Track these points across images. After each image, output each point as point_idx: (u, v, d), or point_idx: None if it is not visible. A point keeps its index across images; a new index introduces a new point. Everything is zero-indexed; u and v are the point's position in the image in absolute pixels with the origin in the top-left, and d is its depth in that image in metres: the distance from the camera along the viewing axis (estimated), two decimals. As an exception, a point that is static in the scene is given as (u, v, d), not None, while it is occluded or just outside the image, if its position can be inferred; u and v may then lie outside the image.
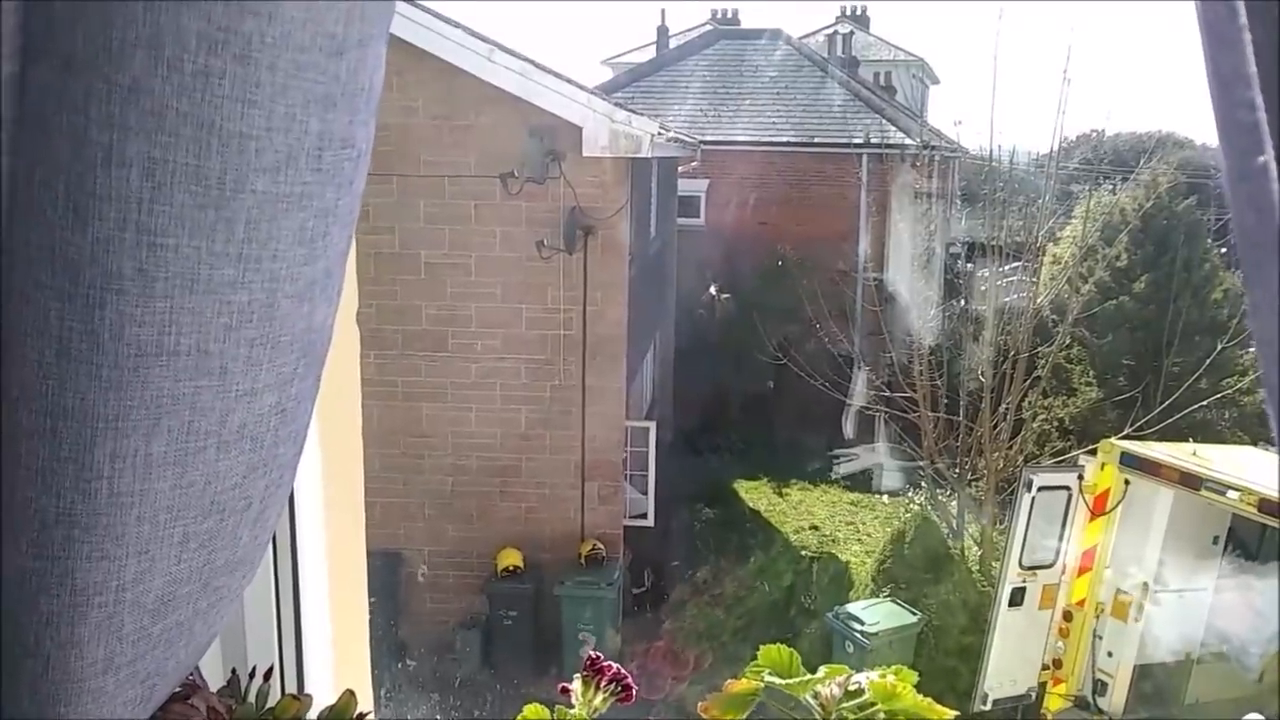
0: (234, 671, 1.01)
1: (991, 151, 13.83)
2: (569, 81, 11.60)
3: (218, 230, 0.69)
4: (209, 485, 0.76)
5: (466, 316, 11.61)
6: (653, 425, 12.95)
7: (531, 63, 11.26)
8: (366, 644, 1.53)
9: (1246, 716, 7.86)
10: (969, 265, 15.44)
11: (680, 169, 17.80)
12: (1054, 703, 9.69)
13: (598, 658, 0.90)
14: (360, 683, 1.49)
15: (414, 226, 11.40)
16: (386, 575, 11.58)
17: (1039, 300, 13.33)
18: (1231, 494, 8.31)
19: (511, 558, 11.52)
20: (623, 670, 0.91)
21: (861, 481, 16.95)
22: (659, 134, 11.74)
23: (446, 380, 11.71)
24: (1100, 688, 9.53)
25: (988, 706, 9.67)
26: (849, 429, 15.42)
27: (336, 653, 1.41)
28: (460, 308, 11.59)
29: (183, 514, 0.76)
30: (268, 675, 1.06)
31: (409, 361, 11.61)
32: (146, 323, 0.69)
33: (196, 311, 0.70)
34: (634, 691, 0.92)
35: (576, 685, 0.94)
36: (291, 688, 1.30)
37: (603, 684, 0.92)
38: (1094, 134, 30.69)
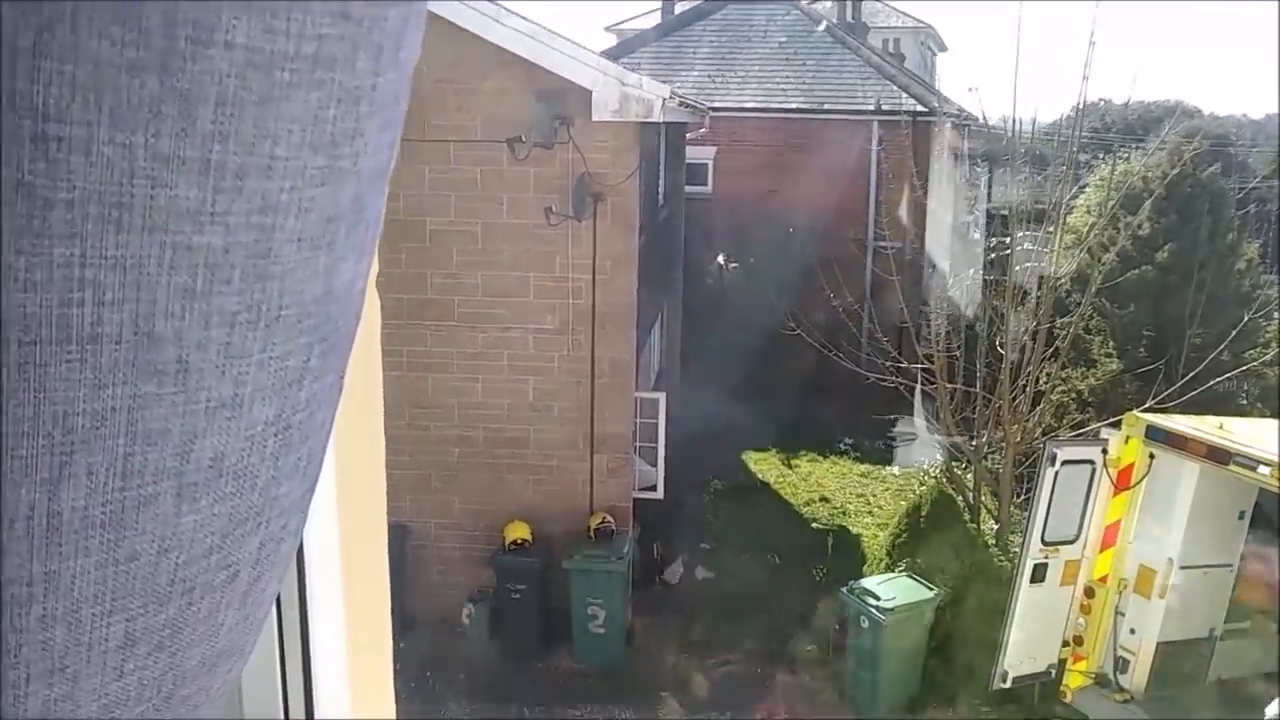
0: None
1: (1014, 120, 13.50)
2: (579, 45, 11.29)
3: (165, 112, 0.40)
4: (165, 555, 0.47)
5: (473, 285, 11.34)
6: (662, 396, 12.70)
7: (541, 26, 10.95)
8: (390, 667, 1.27)
9: (1275, 701, 7.68)
10: (987, 235, 15.14)
11: (688, 136, 17.47)
12: (1074, 680, 9.51)
13: None
14: (382, 709, 1.24)
15: (419, 193, 11.10)
16: (392, 548, 11.29)
17: (1059, 270, 13.03)
18: (1263, 469, 8.08)
19: (519, 530, 11.31)
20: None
21: (871, 453, 16.73)
22: (669, 98, 11.42)
23: (453, 350, 11.46)
24: (1122, 665, 9.35)
25: (1007, 684, 9.50)
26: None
27: (353, 677, 1.16)
28: (466, 276, 11.32)
29: (122, 604, 0.46)
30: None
31: (414, 331, 11.34)
32: (37, 283, 0.40)
33: (130, 263, 0.42)
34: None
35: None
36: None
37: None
38: (1102, 103, 30.36)
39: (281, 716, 1.07)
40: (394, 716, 1.30)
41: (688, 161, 17.97)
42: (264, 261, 0.45)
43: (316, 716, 1.09)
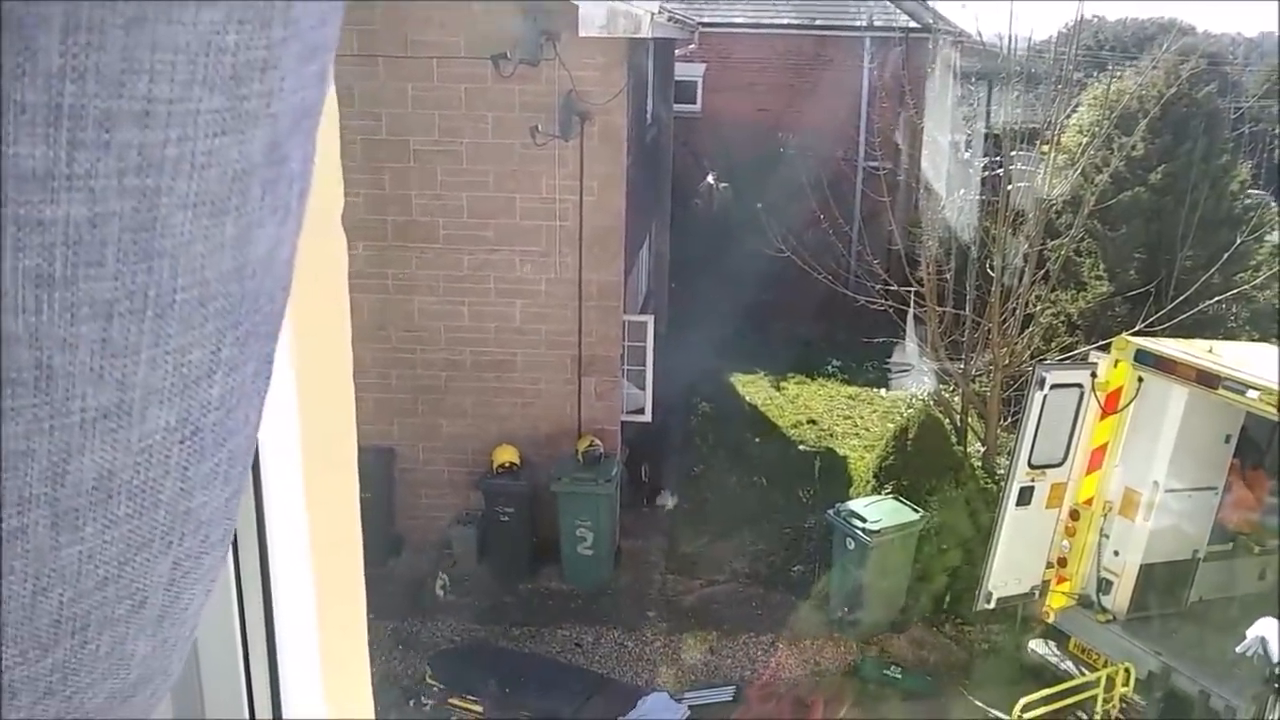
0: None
1: (1009, 37, 13.22)
2: (564, -44, 10.96)
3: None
4: (43, 595, 0.39)
5: (458, 206, 11.16)
6: (650, 319, 12.62)
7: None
8: (366, 655, 1.19)
9: (1260, 621, 7.76)
10: (981, 155, 14.95)
11: (677, 53, 17.11)
12: (1057, 601, 9.60)
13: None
14: (359, 707, 1.17)
15: (401, 111, 10.87)
16: (379, 472, 11.36)
17: (1052, 191, 12.88)
18: (1251, 393, 8.06)
19: (507, 454, 11.29)
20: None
21: (860, 375, 16.72)
22: (658, 13, 11.14)
23: (438, 273, 11.32)
24: (1105, 586, 9.44)
25: (991, 605, 9.59)
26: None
27: (327, 670, 1.08)
28: (451, 197, 11.13)
29: None
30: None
31: (399, 253, 11.19)
32: None
33: None
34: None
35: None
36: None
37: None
38: (1096, 20, 29.91)
39: (246, 715, 0.99)
40: (371, 713, 1.23)
41: (677, 79, 17.63)
42: (147, 235, 0.35)
43: (285, 715, 1.02)
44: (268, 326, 0.43)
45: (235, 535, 1.00)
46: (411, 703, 9.17)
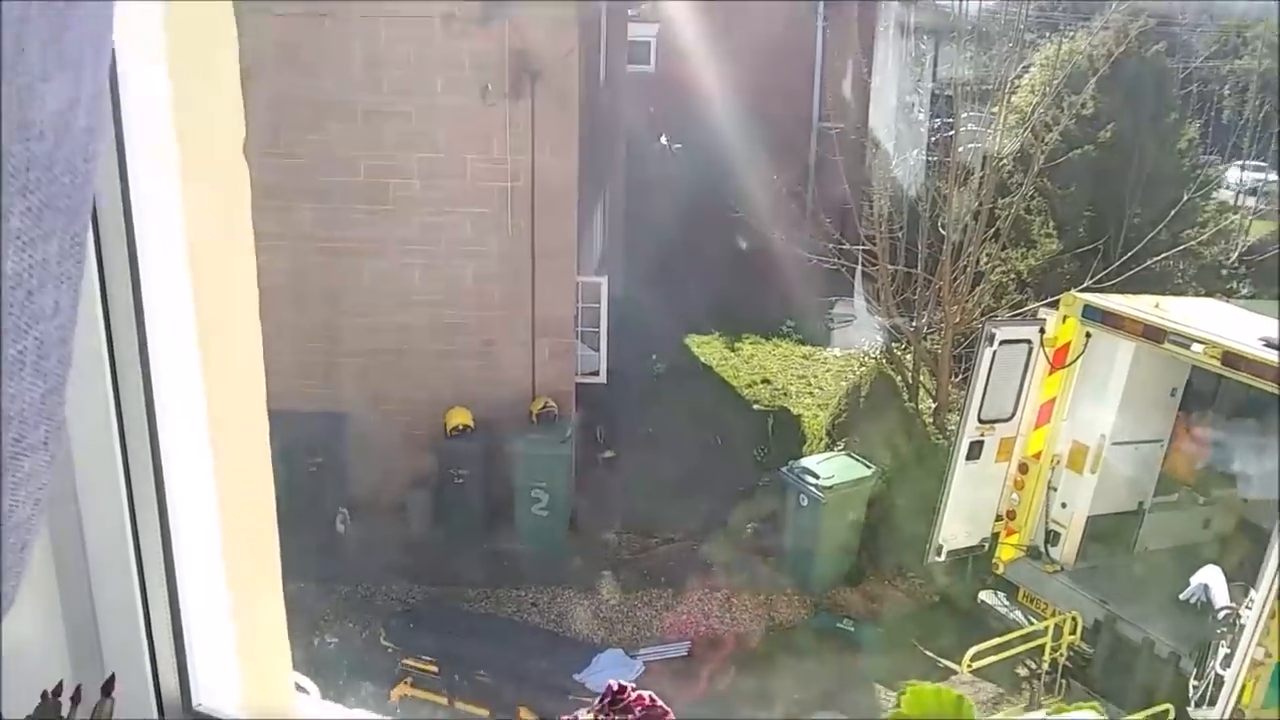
0: (45, 695, 0.65)
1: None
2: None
3: None
4: None
5: (408, 168, 11.01)
6: (604, 280, 12.56)
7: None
8: (281, 607, 1.16)
9: (1203, 569, 7.92)
10: (932, 114, 14.97)
11: (630, 12, 16.94)
12: (1006, 553, 9.75)
13: (623, 689, 0.55)
14: (275, 668, 1.14)
15: (348, 71, 10.68)
16: (332, 436, 11.27)
17: (1002, 150, 12.94)
18: (1196, 347, 8.19)
19: (461, 416, 11.24)
20: (657, 701, 0.56)
21: (814, 335, 16.78)
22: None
23: (389, 235, 11.18)
24: (1052, 538, 9.60)
25: (941, 558, 9.73)
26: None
27: (241, 627, 1.05)
28: (400, 159, 10.98)
29: None
30: (107, 689, 0.70)
31: (348, 215, 11.04)
32: None
33: None
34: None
35: (587, 721, 0.59)
36: (171, 690, 0.96)
37: (629, 720, 0.57)
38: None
39: (151, 682, 0.97)
40: (289, 680, 1.20)
41: (630, 40, 17.47)
42: None
43: (193, 680, 0.99)
44: (69, 202, 0.40)
45: (131, 494, 0.97)
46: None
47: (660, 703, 0.61)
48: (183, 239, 0.97)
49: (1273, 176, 18.75)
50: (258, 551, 1.19)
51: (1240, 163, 18.37)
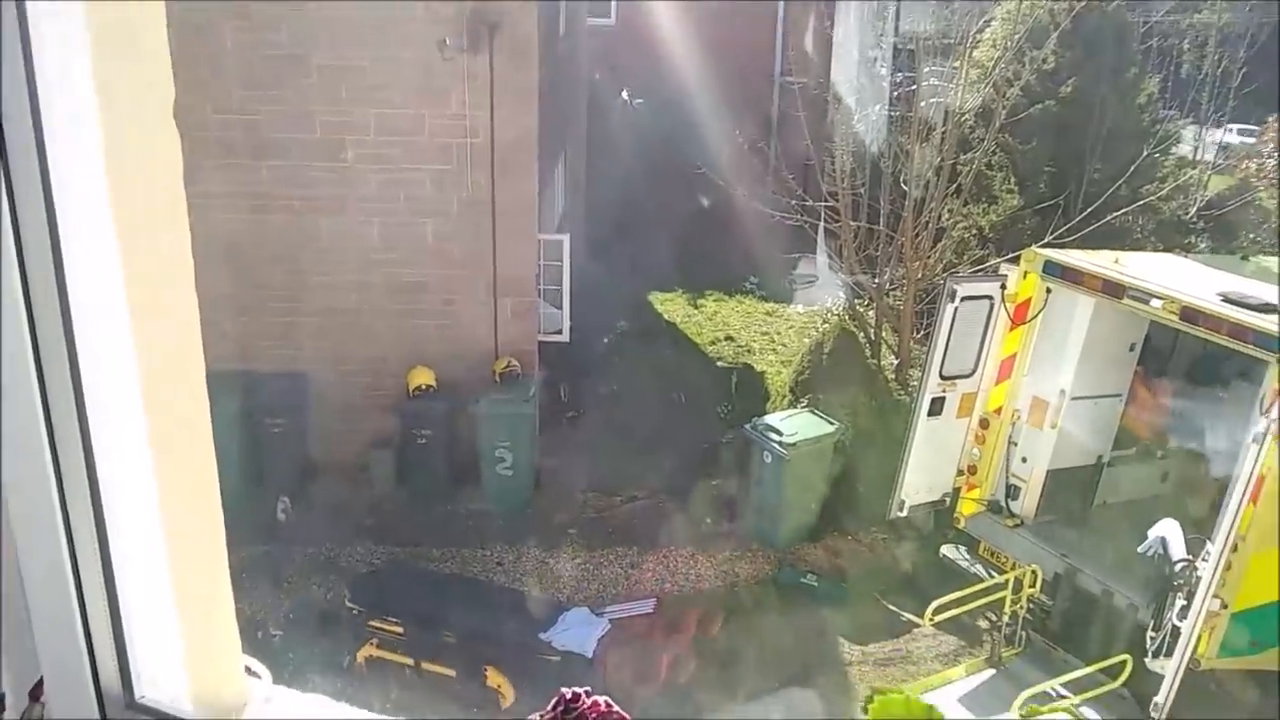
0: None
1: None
2: None
3: None
4: None
5: (364, 124, 10.82)
6: (566, 238, 12.46)
7: None
8: (228, 587, 1.11)
9: (1161, 522, 8.02)
10: (894, 70, 14.90)
11: (590, -37, 16.70)
12: (967, 507, 9.83)
13: (576, 696, 0.51)
14: (223, 653, 1.09)
15: (302, 25, 10.46)
16: (292, 397, 11.16)
17: (964, 105, 12.91)
18: (1155, 302, 8.24)
19: (423, 376, 11.15)
20: (613, 707, 0.52)
21: (777, 292, 16.79)
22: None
23: (346, 192, 11.00)
24: (1013, 492, 9.68)
25: (903, 513, 9.81)
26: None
27: (185, 610, 1.00)
28: (357, 114, 10.78)
29: None
30: (35, 693, 0.66)
31: (305, 173, 10.85)
32: None
33: None
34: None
35: (537, 729, 0.55)
36: (112, 683, 0.91)
37: (584, 731, 0.53)
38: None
39: (89, 676, 0.92)
40: (238, 648, 1.15)
41: (590, -9, 17.24)
42: None
43: (135, 670, 0.94)
44: None
45: (59, 475, 0.92)
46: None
47: (616, 708, 0.57)
48: (109, 210, 0.91)
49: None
50: (201, 528, 1.13)
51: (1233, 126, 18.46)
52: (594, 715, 0.56)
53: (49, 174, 0.88)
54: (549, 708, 0.56)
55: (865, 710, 0.55)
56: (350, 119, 10.77)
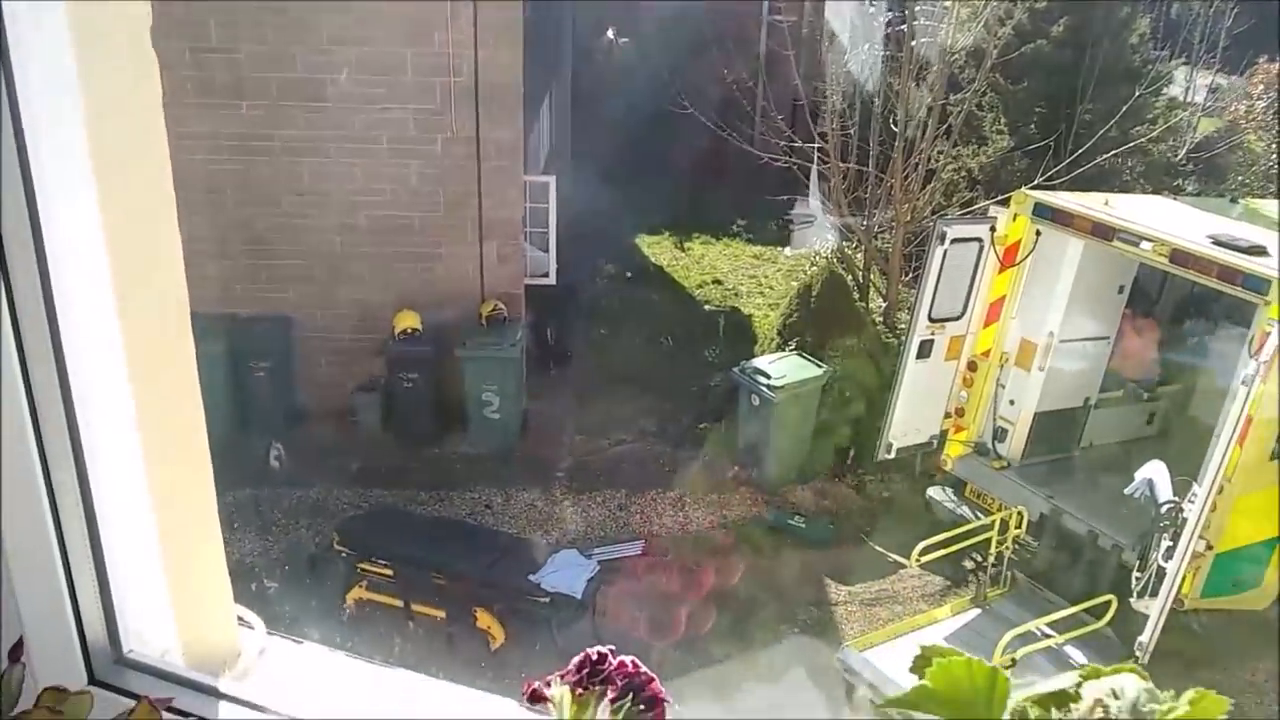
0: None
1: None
2: None
3: None
4: None
5: (345, 63, 10.61)
6: (552, 180, 12.32)
7: None
8: (217, 534, 1.06)
9: (1148, 464, 8.06)
10: (885, 8, 14.67)
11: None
12: (954, 449, 9.88)
13: (602, 657, 0.47)
14: (213, 602, 1.05)
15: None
16: (277, 340, 11.08)
17: (955, 44, 12.75)
18: (1145, 245, 8.22)
19: (409, 320, 11.07)
20: (643, 669, 0.48)
21: (764, 235, 16.69)
22: None
23: (329, 133, 10.83)
24: (1000, 434, 9.72)
25: (891, 455, 9.85)
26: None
27: (172, 559, 0.95)
28: (338, 53, 10.58)
29: None
30: (15, 654, 0.61)
31: (285, 113, 10.67)
32: None
33: None
34: (665, 708, 0.49)
35: (558, 694, 0.50)
36: (98, 638, 0.86)
37: (612, 697, 0.48)
38: None
39: (75, 631, 0.87)
40: (229, 597, 1.11)
41: (575, -74, 16.90)
42: None
43: (122, 624, 0.89)
44: None
45: (37, 424, 0.87)
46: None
47: (644, 667, 0.53)
48: (84, 143, 0.85)
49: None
50: (188, 475, 1.09)
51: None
52: (621, 675, 0.52)
53: (18, 105, 0.82)
54: (572, 668, 0.52)
55: (919, 674, 0.51)
56: (331, 58, 10.57)
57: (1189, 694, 0.47)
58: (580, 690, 0.52)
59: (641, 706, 0.52)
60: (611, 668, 0.52)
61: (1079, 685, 0.50)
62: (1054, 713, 0.49)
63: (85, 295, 0.88)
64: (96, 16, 0.87)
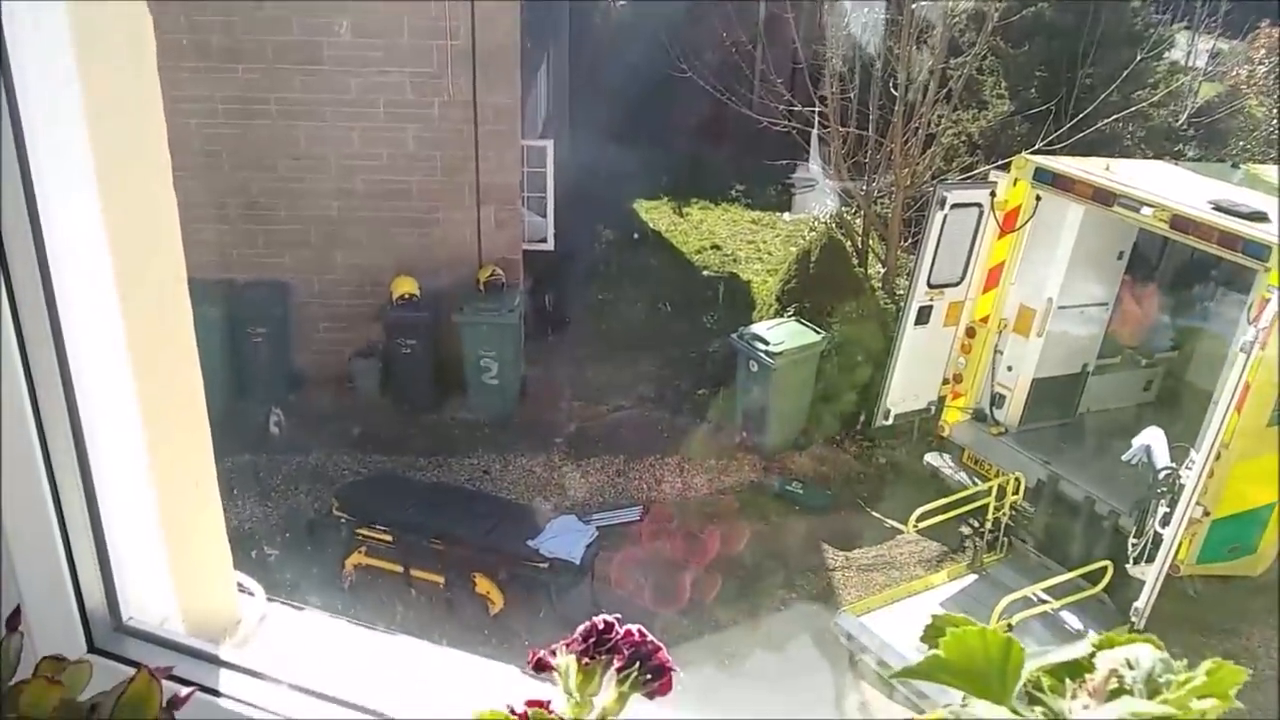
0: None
1: None
2: None
3: None
4: None
5: (342, 25, 10.51)
6: (550, 144, 12.25)
7: None
8: (217, 501, 1.05)
9: (1146, 430, 8.06)
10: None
11: None
12: (952, 415, 9.87)
13: (609, 626, 0.46)
14: (212, 569, 1.04)
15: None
16: (275, 306, 11.06)
17: (956, 6, 12.64)
18: (1145, 210, 8.17)
19: (406, 285, 11.04)
20: (649, 638, 0.47)
21: (763, 200, 16.62)
22: None
23: (325, 96, 10.75)
24: (998, 400, 9.71)
25: (889, 421, 9.84)
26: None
27: (171, 526, 0.94)
28: (334, 14, 10.47)
29: None
30: (12, 623, 0.61)
31: (281, 76, 10.58)
32: None
33: None
34: (673, 678, 0.48)
35: (564, 664, 0.50)
36: (97, 606, 0.86)
37: (618, 666, 0.48)
38: None
39: (74, 600, 0.86)
40: (229, 564, 1.10)
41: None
42: None
43: (121, 591, 0.89)
44: None
45: (33, 391, 0.85)
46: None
47: (650, 636, 0.53)
48: (79, 97, 0.83)
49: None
50: (186, 441, 1.08)
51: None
52: (628, 644, 0.51)
53: (17, 102, 0.80)
54: (578, 636, 0.52)
55: (931, 644, 0.50)
56: (327, 20, 10.47)
57: (1206, 664, 0.46)
58: (586, 660, 0.51)
59: (648, 676, 0.51)
60: (618, 637, 0.51)
61: (1093, 655, 0.50)
62: (1068, 683, 0.49)
63: (84, 273, 0.87)
64: (96, 16, 0.86)
